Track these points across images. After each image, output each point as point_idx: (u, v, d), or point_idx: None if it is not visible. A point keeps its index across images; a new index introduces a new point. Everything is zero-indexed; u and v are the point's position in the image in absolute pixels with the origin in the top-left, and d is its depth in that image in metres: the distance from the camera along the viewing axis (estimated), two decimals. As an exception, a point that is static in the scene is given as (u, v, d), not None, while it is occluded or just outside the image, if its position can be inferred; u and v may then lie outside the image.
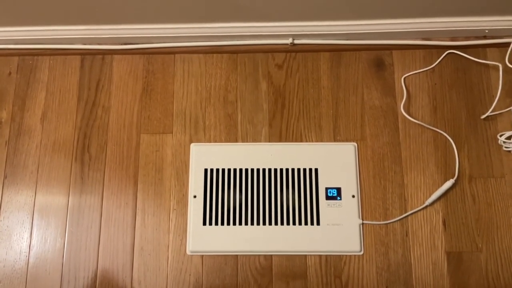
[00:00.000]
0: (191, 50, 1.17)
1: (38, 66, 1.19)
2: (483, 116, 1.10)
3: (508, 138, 1.07)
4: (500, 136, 1.08)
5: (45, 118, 1.14)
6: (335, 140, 1.11)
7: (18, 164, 1.11)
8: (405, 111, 1.11)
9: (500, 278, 1.00)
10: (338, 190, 1.06)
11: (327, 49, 1.16)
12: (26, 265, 1.05)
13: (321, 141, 1.11)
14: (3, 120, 1.14)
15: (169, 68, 1.17)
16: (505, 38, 1.14)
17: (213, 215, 1.06)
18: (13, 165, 1.11)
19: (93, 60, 1.18)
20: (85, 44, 1.18)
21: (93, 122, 1.13)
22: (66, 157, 1.11)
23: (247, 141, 1.11)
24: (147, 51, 1.18)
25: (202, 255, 1.04)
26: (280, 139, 1.11)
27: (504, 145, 1.07)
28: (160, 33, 1.15)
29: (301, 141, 1.11)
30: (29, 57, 1.19)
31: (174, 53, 1.18)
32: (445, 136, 1.09)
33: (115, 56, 1.18)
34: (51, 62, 1.19)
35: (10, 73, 1.18)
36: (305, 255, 1.04)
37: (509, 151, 1.08)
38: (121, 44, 1.18)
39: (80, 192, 1.09)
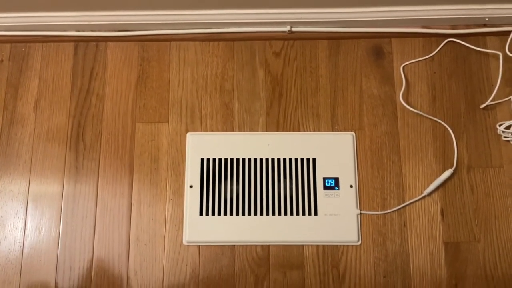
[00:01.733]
0: (187, 37, 1.15)
1: (30, 53, 1.16)
2: (482, 106, 1.09)
3: (507, 127, 1.06)
4: (499, 125, 1.07)
5: (38, 107, 1.12)
6: (333, 129, 1.10)
7: (11, 153, 1.09)
8: (403, 100, 1.10)
9: (498, 268, 1.00)
10: (336, 180, 1.06)
11: (325, 37, 1.15)
12: (21, 255, 1.04)
13: (319, 130, 1.10)
14: (-5, 108, 1.12)
15: (165, 55, 1.15)
16: (506, 26, 1.13)
17: (209, 205, 1.05)
18: (6, 154, 1.09)
19: (86, 47, 1.16)
20: (78, 31, 1.16)
21: (87, 111, 1.12)
22: (60, 146, 1.10)
23: (244, 131, 1.10)
24: (142, 38, 1.16)
25: (199, 246, 1.04)
26: (277, 129, 1.10)
27: (503, 134, 1.07)
28: (155, 20, 1.13)
29: (299, 130, 1.10)
30: (21, 44, 1.17)
31: (169, 40, 1.16)
32: (444, 126, 1.08)
33: (109, 43, 1.16)
34: (44, 49, 1.16)
35: (2, 61, 1.15)
36: (303, 245, 1.03)
37: (508, 140, 1.07)
38: (116, 31, 1.16)
39: (75, 181, 1.08)
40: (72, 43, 1.16)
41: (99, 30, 1.16)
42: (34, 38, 1.16)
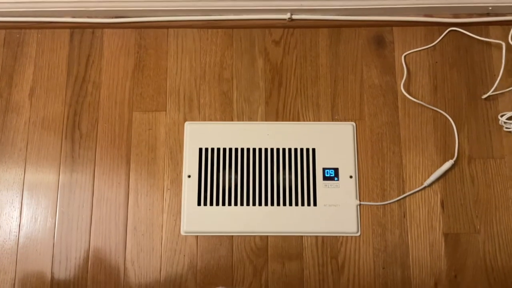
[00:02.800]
0: (185, 24, 1.13)
1: (25, 40, 1.14)
2: (484, 96, 1.08)
3: (509, 118, 1.05)
4: (501, 116, 1.06)
5: (34, 94, 1.10)
6: (333, 119, 1.08)
7: (6, 142, 1.08)
8: (405, 90, 1.08)
9: (498, 260, 1.00)
10: (336, 170, 1.04)
11: (326, 25, 1.13)
12: (16, 245, 1.03)
13: (319, 120, 1.08)
14: (-11, 96, 1.10)
15: (162, 43, 1.13)
16: (509, 15, 1.11)
17: (208, 195, 1.03)
18: (1, 143, 1.08)
19: (82, 34, 1.14)
20: (74, 17, 1.14)
21: (83, 99, 1.10)
22: (56, 135, 1.08)
23: (243, 120, 1.08)
24: (139, 25, 1.14)
25: (197, 236, 1.02)
26: (276, 118, 1.08)
27: (505, 125, 1.06)
28: (153, 6, 1.11)
29: (298, 120, 1.08)
30: (16, 30, 1.14)
31: (167, 27, 1.14)
32: (445, 116, 1.07)
33: (106, 30, 1.14)
34: (39, 35, 1.14)
35: (-4, 47, 1.14)
36: (301, 236, 1.02)
37: (510, 131, 1.06)
38: (112, 17, 1.14)
39: (71, 170, 1.06)
40: (68, 30, 1.14)
41: (95, 17, 1.14)
42: (29, 25, 1.14)
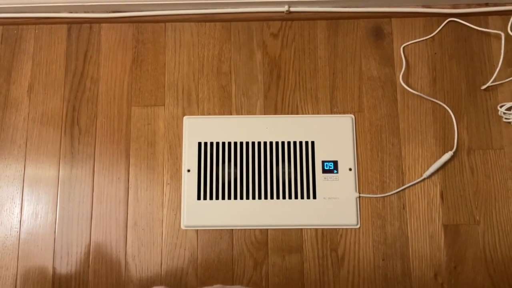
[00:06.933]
0: (183, 18, 1.13)
1: (23, 36, 1.14)
2: (483, 87, 1.07)
3: (509, 109, 1.05)
4: (501, 107, 1.06)
5: (32, 90, 1.10)
6: (332, 112, 1.08)
7: (5, 138, 1.08)
8: (404, 81, 1.08)
9: (497, 251, 1.00)
10: (335, 163, 1.04)
11: (324, 17, 1.12)
12: (18, 241, 1.03)
13: (318, 113, 1.08)
14: (-12, 92, 1.10)
15: (160, 37, 1.13)
16: (508, 5, 1.11)
17: (207, 189, 1.04)
18: (1, 139, 1.08)
19: (80, 29, 1.13)
20: (71, 12, 1.13)
21: (81, 94, 1.10)
22: (55, 131, 1.08)
23: (241, 114, 1.08)
24: (137, 19, 1.13)
25: (197, 230, 1.03)
26: (275, 112, 1.08)
27: (504, 116, 1.05)
28: (150, 0, 1.10)
29: (297, 113, 1.08)
30: (13, 26, 1.14)
31: (165, 21, 1.13)
32: (444, 107, 1.07)
33: (103, 25, 1.14)
34: (36, 31, 1.14)
35: (-6, 43, 1.13)
36: (301, 229, 1.02)
37: (509, 122, 1.05)
38: (109, 12, 1.13)
39: (71, 166, 1.06)
40: (65, 25, 1.14)
41: (92, 12, 1.13)
42: (26, 20, 1.14)
